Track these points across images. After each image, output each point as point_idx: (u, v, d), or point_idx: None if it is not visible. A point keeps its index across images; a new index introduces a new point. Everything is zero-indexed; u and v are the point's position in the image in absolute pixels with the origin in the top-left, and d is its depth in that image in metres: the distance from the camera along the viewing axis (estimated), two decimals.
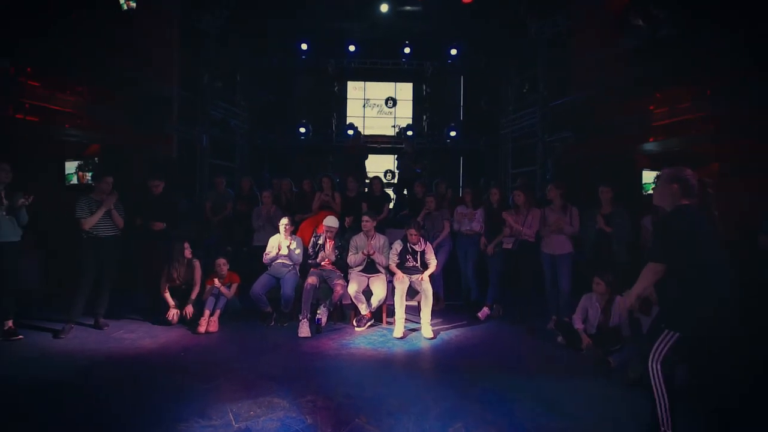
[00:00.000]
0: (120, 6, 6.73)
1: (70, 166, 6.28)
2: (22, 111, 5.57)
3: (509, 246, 4.73)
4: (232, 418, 2.54)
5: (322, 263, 4.65)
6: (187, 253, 4.45)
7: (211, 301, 4.34)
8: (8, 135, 5.48)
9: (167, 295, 4.36)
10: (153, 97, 7.19)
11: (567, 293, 4.39)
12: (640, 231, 4.35)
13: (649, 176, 6.29)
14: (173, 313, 4.31)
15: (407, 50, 10.39)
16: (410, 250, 4.48)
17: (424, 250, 4.50)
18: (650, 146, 6.12)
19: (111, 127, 6.51)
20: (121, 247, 4.32)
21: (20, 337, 3.81)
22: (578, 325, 3.84)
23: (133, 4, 6.61)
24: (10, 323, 3.82)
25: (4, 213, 3.71)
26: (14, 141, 5.53)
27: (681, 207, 2.27)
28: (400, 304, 4.24)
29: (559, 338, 4.04)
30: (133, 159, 6.54)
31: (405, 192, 7.51)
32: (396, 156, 7.93)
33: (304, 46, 10.22)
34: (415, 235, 4.42)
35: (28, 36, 5.50)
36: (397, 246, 4.50)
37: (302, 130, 10.34)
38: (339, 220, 4.96)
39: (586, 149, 7.08)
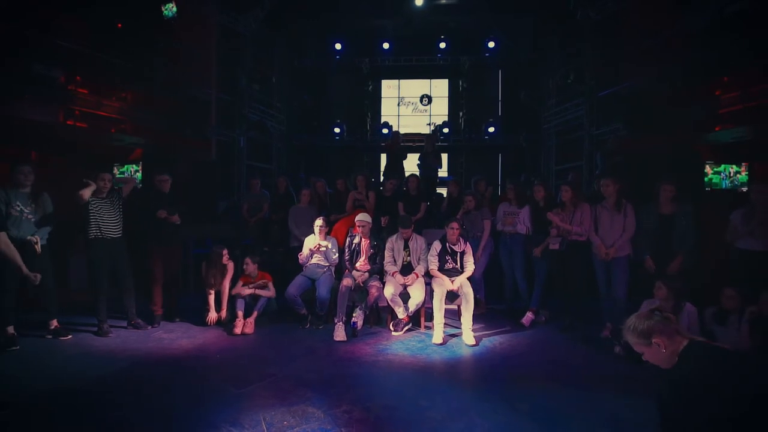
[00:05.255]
0: (162, 14, 6.93)
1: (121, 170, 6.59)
2: (72, 117, 5.83)
3: (556, 246, 4.37)
4: (264, 427, 2.42)
5: (358, 266, 4.50)
6: (225, 259, 4.44)
7: (241, 302, 4.30)
8: (60, 141, 5.76)
9: (211, 300, 4.38)
10: (192, 100, 7.36)
11: (623, 300, 3.98)
12: (719, 227, 3.82)
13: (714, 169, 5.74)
14: (212, 318, 4.34)
15: (443, 45, 10.13)
16: (449, 250, 4.23)
17: (464, 250, 4.24)
18: (716, 136, 5.52)
19: (153, 131, 6.71)
20: (128, 249, 4.26)
21: (69, 336, 3.91)
22: None
23: (174, 10, 6.77)
24: (55, 322, 3.92)
25: (30, 216, 3.72)
26: (66, 147, 5.81)
27: (690, 352, 1.64)
28: (439, 308, 4.01)
29: (617, 348, 3.65)
30: (174, 162, 6.68)
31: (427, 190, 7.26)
32: (419, 156, 7.66)
33: (338, 46, 10.20)
34: (457, 228, 4.17)
35: (77, 46, 5.75)
36: (436, 246, 4.27)
37: (337, 130, 10.32)
38: (373, 218, 4.80)
39: (640, 142, 6.53)
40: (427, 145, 7.52)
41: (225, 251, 4.46)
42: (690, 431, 1.61)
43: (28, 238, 3.63)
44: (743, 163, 5.58)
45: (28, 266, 3.69)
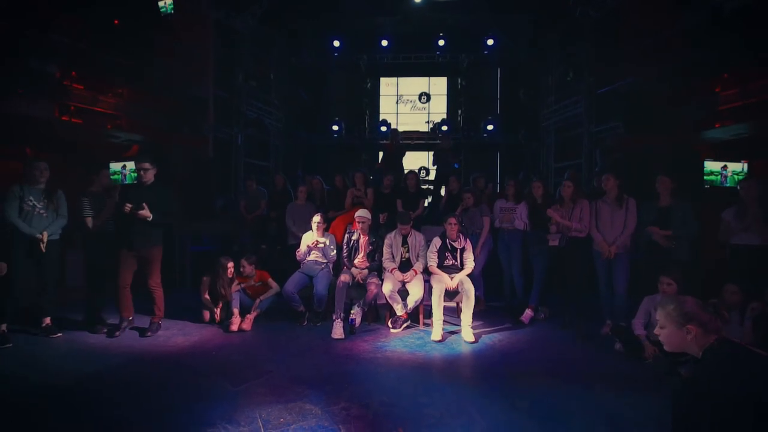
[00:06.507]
0: (159, 11, 6.87)
1: (115, 167, 6.49)
2: (67, 113, 5.77)
3: (555, 243, 4.34)
4: (261, 424, 2.38)
5: (356, 262, 4.46)
6: (229, 272, 4.35)
7: (236, 300, 4.26)
8: (55, 137, 5.70)
9: (206, 299, 4.34)
10: (190, 97, 7.31)
11: (623, 296, 3.96)
12: (719, 225, 3.82)
13: (713, 166, 5.70)
14: (208, 314, 4.31)
15: (441, 42, 10.09)
16: (449, 247, 4.20)
17: (464, 247, 4.21)
18: (716, 133, 5.50)
19: (149, 127, 6.66)
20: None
21: (59, 335, 3.85)
22: (639, 330, 3.44)
23: (171, 6, 6.71)
24: (47, 320, 3.87)
25: (42, 212, 3.74)
26: (61, 142, 5.74)
27: (719, 349, 1.59)
28: (438, 304, 3.97)
29: (617, 345, 3.63)
30: (171, 159, 6.62)
31: (443, 188, 7.24)
32: (432, 152, 7.65)
33: (336, 43, 10.15)
34: (455, 224, 4.13)
35: (73, 41, 5.69)
36: (436, 242, 4.23)
37: (335, 128, 10.27)
38: (371, 215, 4.76)
39: (639, 139, 6.51)
40: (444, 142, 7.48)
41: (231, 264, 4.37)
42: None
43: (37, 236, 3.65)
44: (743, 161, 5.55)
45: (35, 263, 3.73)
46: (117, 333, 3.87)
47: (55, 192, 3.85)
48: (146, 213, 3.77)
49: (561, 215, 4.29)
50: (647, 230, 3.86)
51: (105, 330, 3.96)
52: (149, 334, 3.92)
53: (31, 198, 3.70)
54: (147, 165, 3.93)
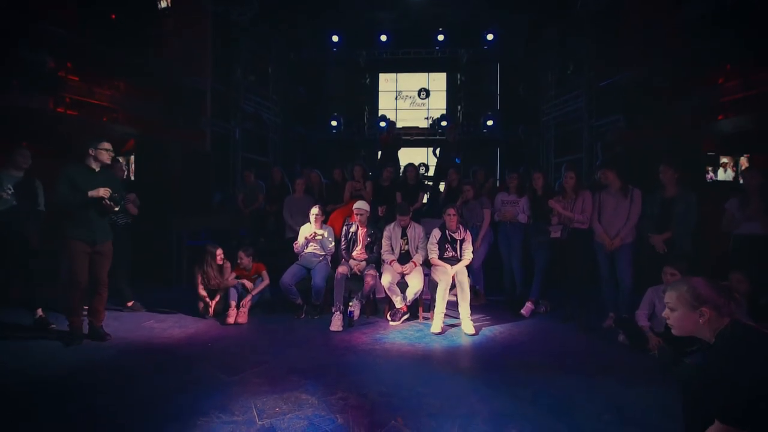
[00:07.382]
0: (156, 4, 6.80)
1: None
2: (62, 105, 5.69)
3: (557, 234, 4.27)
4: (255, 414, 2.32)
5: (354, 254, 4.39)
6: (219, 259, 4.30)
7: (234, 292, 4.20)
8: (50, 128, 5.62)
9: (203, 293, 4.26)
10: (187, 91, 7.24)
11: (629, 288, 3.88)
12: (721, 217, 3.77)
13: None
14: (203, 306, 4.25)
15: (441, 38, 10.03)
16: (449, 238, 4.13)
17: (464, 238, 4.14)
18: (718, 126, 5.44)
19: (146, 120, 6.59)
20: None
21: (53, 326, 3.77)
22: (643, 322, 3.37)
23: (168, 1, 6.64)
24: (39, 311, 3.80)
25: (14, 201, 3.66)
26: (56, 134, 5.67)
27: (733, 332, 1.53)
28: (442, 297, 3.88)
29: (621, 337, 3.57)
30: (168, 152, 6.54)
31: (441, 184, 7.15)
32: (436, 147, 7.55)
33: (335, 38, 10.10)
34: (453, 215, 4.07)
35: (68, 32, 5.61)
36: (436, 234, 4.17)
37: (334, 123, 10.21)
38: (370, 208, 4.69)
39: (640, 133, 6.45)
40: (450, 135, 7.36)
41: (220, 251, 4.31)
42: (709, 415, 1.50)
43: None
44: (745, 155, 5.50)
45: (15, 256, 3.64)
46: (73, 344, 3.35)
47: (33, 181, 3.80)
48: (114, 207, 3.31)
49: (563, 206, 4.23)
50: (650, 239, 3.82)
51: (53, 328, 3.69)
52: (109, 337, 3.49)
53: (10, 186, 3.64)
54: (110, 145, 3.38)
